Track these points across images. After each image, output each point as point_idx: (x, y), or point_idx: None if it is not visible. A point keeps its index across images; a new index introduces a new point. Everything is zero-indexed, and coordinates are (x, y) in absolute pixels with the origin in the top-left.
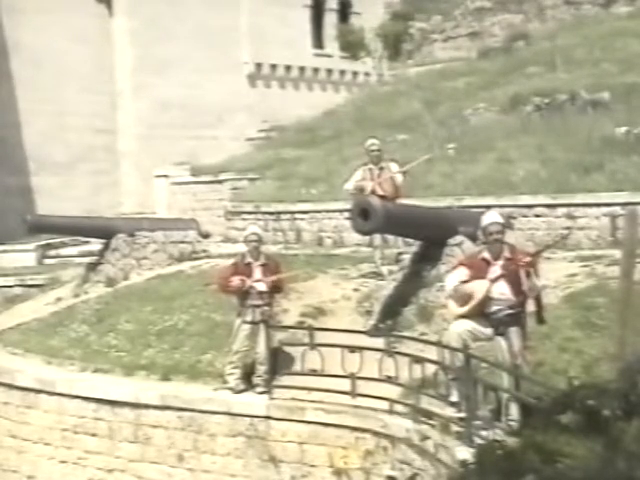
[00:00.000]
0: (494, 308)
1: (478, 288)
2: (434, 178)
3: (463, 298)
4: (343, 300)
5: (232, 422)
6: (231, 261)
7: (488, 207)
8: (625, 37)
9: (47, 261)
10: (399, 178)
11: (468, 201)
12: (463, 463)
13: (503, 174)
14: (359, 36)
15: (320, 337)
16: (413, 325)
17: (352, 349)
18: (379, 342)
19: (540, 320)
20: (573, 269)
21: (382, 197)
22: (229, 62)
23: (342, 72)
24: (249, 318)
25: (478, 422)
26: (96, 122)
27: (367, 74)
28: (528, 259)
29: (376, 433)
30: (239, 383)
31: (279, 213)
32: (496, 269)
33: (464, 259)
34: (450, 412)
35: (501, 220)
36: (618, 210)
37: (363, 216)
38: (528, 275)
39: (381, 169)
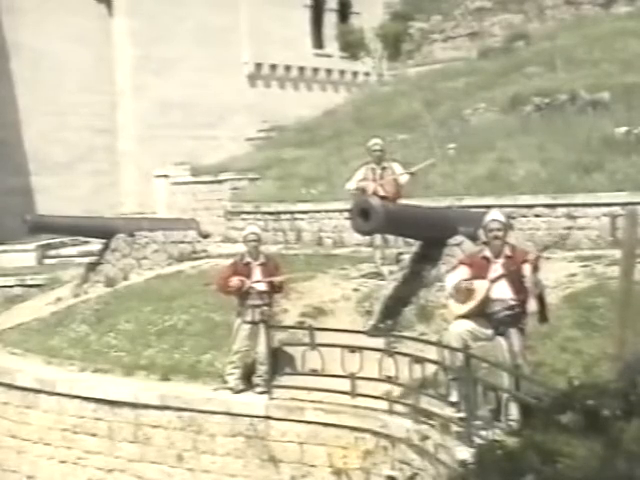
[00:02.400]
0: (494, 308)
1: (478, 288)
2: (434, 178)
3: (464, 294)
4: (343, 300)
5: (232, 422)
6: (230, 261)
7: (488, 207)
8: (625, 37)
9: (47, 261)
10: (403, 179)
11: (468, 201)
12: (463, 463)
13: (503, 174)
14: (359, 36)
15: (320, 337)
16: (413, 325)
17: (352, 349)
18: (379, 342)
19: (543, 319)
20: (573, 269)
21: (383, 198)
22: (229, 62)
23: (342, 72)
24: (249, 318)
25: (478, 422)
26: (96, 122)
27: (367, 74)
28: (535, 254)
29: (376, 433)
30: (239, 383)
31: (279, 213)
32: (497, 267)
33: (465, 258)
34: (450, 412)
35: (503, 219)
36: (618, 210)
37: (363, 216)
38: (535, 269)
39: (383, 169)
